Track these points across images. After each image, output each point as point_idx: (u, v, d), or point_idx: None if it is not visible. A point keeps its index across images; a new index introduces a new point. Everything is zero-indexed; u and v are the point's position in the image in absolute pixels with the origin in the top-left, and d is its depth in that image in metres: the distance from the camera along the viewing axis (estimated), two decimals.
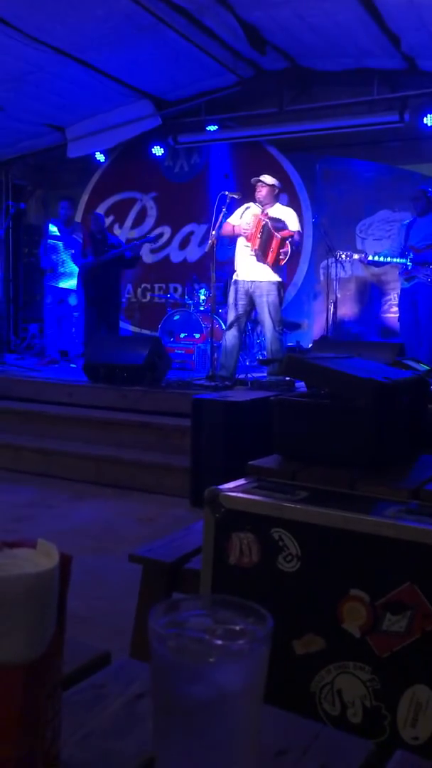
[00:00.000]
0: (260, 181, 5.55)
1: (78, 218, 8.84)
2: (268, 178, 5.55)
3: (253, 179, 5.64)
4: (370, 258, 6.37)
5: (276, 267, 5.46)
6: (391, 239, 7.56)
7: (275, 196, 5.62)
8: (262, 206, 5.53)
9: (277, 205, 5.67)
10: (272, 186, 5.55)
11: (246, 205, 5.60)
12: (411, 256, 6.12)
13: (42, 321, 9.07)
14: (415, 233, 6.20)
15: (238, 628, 0.51)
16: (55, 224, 7.53)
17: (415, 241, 6.17)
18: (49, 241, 7.38)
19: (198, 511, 1.43)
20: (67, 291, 7.42)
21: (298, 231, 5.55)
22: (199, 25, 6.28)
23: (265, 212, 5.46)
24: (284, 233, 5.38)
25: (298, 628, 1.30)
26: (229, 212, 5.60)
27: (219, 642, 0.49)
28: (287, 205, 6.72)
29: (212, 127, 7.95)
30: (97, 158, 8.85)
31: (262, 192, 5.52)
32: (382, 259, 6.35)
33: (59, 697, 0.53)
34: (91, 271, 7.18)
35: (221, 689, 0.46)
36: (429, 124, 6.97)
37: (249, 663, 0.48)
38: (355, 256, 6.79)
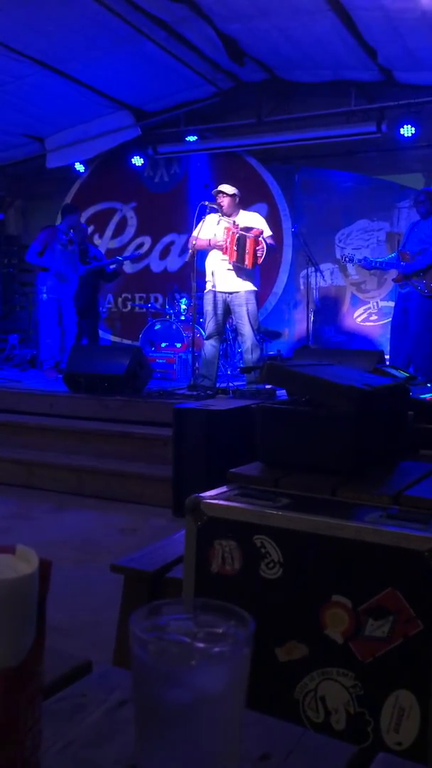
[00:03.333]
0: (221, 191, 5.58)
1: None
2: (228, 188, 5.58)
3: (214, 190, 5.67)
4: (373, 262, 6.40)
5: (255, 267, 5.50)
6: (370, 248, 7.63)
7: (237, 205, 5.66)
8: (227, 216, 5.56)
9: (242, 212, 5.71)
10: (233, 195, 5.58)
11: (210, 217, 5.62)
12: (403, 264, 6.14)
13: (23, 332, 9.02)
14: (413, 237, 6.22)
15: (219, 631, 0.50)
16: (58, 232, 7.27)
17: (412, 243, 6.18)
18: (58, 245, 6.93)
19: (180, 521, 1.43)
20: (65, 300, 7.01)
21: (270, 235, 5.59)
22: (177, 37, 6.32)
23: (236, 224, 5.49)
24: (255, 231, 5.41)
25: (281, 636, 1.30)
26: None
27: (200, 645, 0.49)
28: (265, 217, 6.77)
29: (192, 138, 7.99)
30: (77, 168, 8.85)
31: (224, 202, 5.55)
32: (379, 261, 6.38)
33: (39, 705, 0.52)
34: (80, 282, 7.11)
35: (203, 692, 0.46)
36: (406, 135, 7.06)
37: (231, 666, 0.48)
38: (358, 257, 6.79)
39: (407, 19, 5.52)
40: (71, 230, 7.07)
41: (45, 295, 7.02)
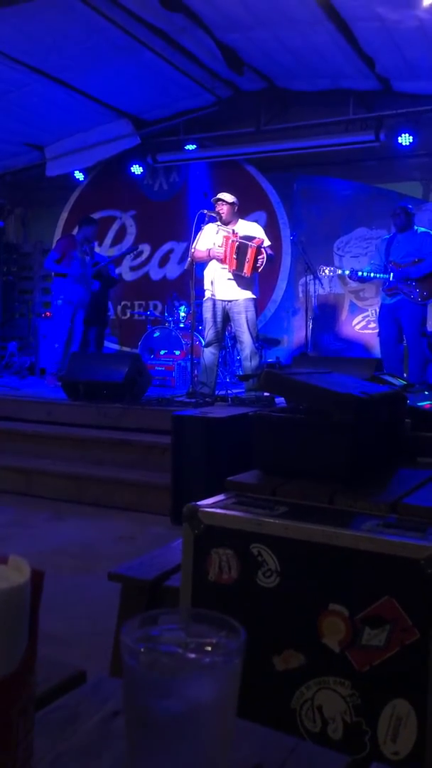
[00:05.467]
0: (220, 199, 5.59)
1: (57, 237, 8.86)
2: (227, 196, 5.60)
3: (214, 198, 5.69)
4: (360, 273, 6.41)
5: (254, 276, 5.50)
6: (369, 256, 7.65)
7: (236, 213, 5.67)
8: (226, 224, 5.58)
9: (240, 221, 5.72)
10: (232, 204, 5.60)
11: (209, 226, 5.63)
12: (392, 273, 6.16)
13: (22, 339, 9.03)
14: (396, 249, 6.25)
15: (211, 641, 0.50)
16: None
17: (395, 256, 6.22)
18: (77, 253, 6.99)
19: (179, 528, 1.43)
20: (79, 308, 7.04)
21: (269, 245, 5.61)
22: (176, 46, 6.36)
23: (235, 232, 5.50)
24: (257, 241, 5.42)
25: (278, 645, 1.29)
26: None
27: (192, 655, 0.49)
28: (264, 225, 6.80)
29: (191, 146, 8.02)
30: (76, 177, 8.88)
31: (223, 210, 5.56)
32: (365, 274, 6.40)
33: (31, 716, 0.52)
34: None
35: (193, 703, 0.46)
36: (404, 144, 7.10)
37: (221, 676, 0.48)
38: (340, 271, 6.86)
39: (404, 29, 5.55)
40: (86, 243, 7.13)
41: (60, 302, 7.06)
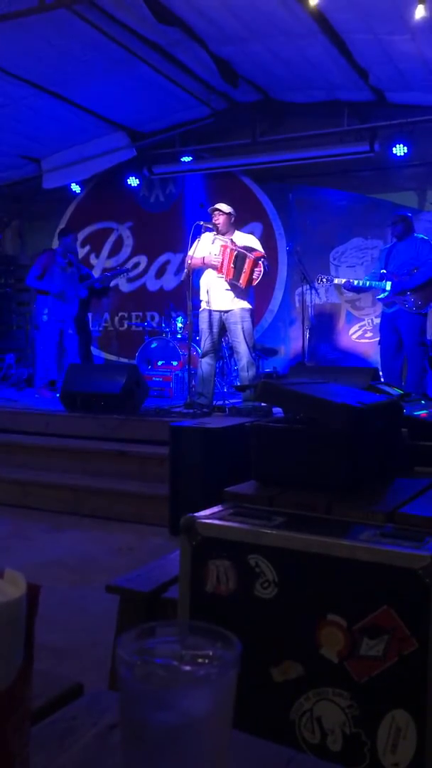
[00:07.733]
0: (217, 209, 5.63)
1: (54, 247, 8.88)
2: (224, 207, 5.63)
3: (210, 208, 5.72)
4: (355, 283, 6.41)
5: (249, 288, 5.53)
6: (365, 266, 7.68)
7: (232, 224, 5.70)
8: (223, 235, 5.60)
9: (237, 232, 5.75)
10: (229, 214, 5.62)
11: (205, 236, 5.65)
12: (390, 283, 6.17)
13: (20, 351, 9.03)
14: (395, 258, 6.27)
15: (206, 653, 0.50)
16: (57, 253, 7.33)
17: (393, 266, 6.24)
18: (57, 268, 7.02)
19: (178, 539, 1.43)
20: (67, 321, 7.06)
21: (264, 258, 5.64)
22: (172, 60, 6.41)
23: (233, 242, 5.52)
24: (256, 254, 5.45)
25: (276, 655, 1.29)
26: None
27: (186, 668, 0.49)
28: (260, 236, 6.82)
29: (187, 158, 8.07)
30: (73, 189, 8.92)
31: (219, 220, 5.59)
32: (362, 283, 6.41)
33: (27, 731, 0.52)
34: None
35: (188, 715, 0.46)
36: (398, 154, 7.14)
37: (216, 688, 0.48)
38: (337, 281, 6.87)
39: (397, 41, 5.60)
40: (69, 253, 7.13)
41: (45, 317, 7.05)
